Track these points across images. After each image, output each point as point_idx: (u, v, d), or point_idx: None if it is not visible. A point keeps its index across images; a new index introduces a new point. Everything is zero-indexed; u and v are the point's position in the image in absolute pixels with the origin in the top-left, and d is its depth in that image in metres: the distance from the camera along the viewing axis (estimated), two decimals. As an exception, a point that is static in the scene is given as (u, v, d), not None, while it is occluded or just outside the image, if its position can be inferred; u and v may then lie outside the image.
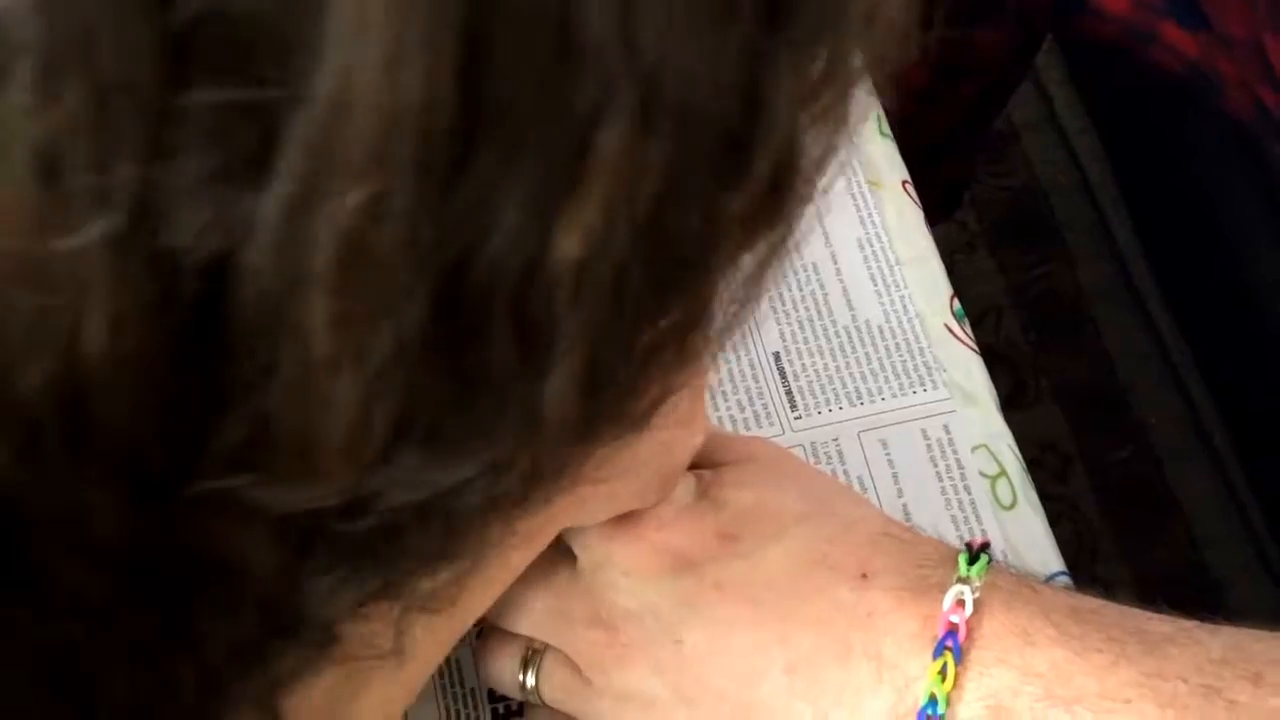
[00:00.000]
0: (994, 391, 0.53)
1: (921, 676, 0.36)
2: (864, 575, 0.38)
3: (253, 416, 0.18)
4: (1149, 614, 0.37)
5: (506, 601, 0.40)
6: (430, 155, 0.17)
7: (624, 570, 0.38)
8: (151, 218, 0.16)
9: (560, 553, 0.40)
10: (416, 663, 0.34)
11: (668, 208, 0.19)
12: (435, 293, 0.18)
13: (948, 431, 0.51)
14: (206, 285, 0.17)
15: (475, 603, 0.35)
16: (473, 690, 0.46)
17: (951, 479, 0.50)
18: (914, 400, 0.52)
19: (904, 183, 0.58)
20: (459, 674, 0.46)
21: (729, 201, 0.20)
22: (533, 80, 0.17)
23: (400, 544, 0.22)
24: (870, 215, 0.56)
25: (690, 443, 0.37)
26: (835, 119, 0.22)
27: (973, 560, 0.37)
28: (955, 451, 0.50)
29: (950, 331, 0.54)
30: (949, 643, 0.36)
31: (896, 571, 0.38)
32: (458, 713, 0.45)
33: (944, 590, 0.37)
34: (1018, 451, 0.52)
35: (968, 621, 0.36)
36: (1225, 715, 0.33)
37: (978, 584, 0.37)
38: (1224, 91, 0.71)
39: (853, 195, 0.57)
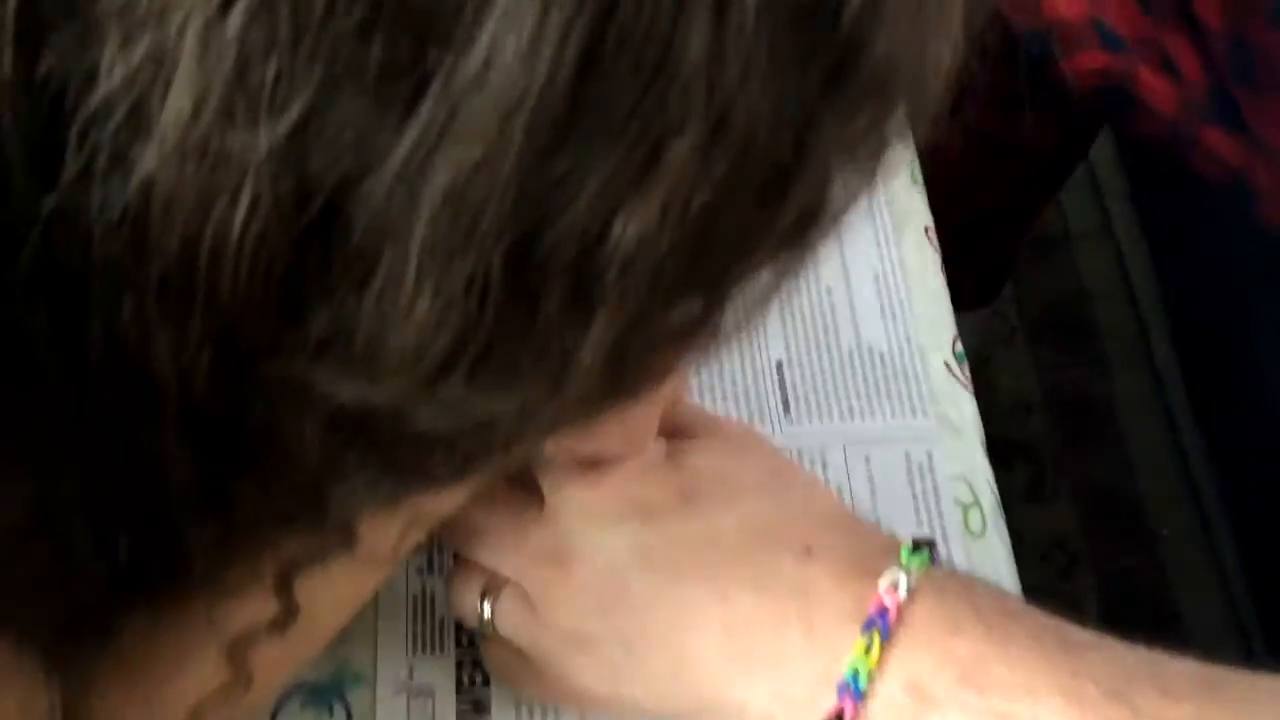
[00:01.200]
0: (981, 432, 0.55)
1: (847, 650, 0.38)
2: (808, 550, 0.39)
3: (340, 316, 0.22)
4: (1076, 626, 0.38)
5: (476, 533, 0.42)
6: (537, 131, 0.20)
7: (586, 513, 0.40)
8: (310, 133, 0.20)
9: (531, 491, 0.42)
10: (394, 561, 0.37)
11: (712, 218, 0.22)
12: (510, 246, 0.21)
13: (930, 458, 0.53)
14: (331, 199, 0.21)
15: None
16: (442, 620, 0.48)
17: (927, 500, 0.52)
18: (903, 424, 0.53)
19: (926, 228, 0.60)
20: (430, 605, 0.48)
21: (763, 223, 0.24)
22: (631, 89, 0.21)
23: (428, 462, 0.26)
24: (890, 252, 0.59)
25: (657, 395, 0.39)
26: (866, 171, 0.25)
27: (914, 552, 0.39)
28: (934, 476, 0.52)
29: (949, 369, 0.56)
30: (878, 622, 0.38)
31: (840, 551, 0.39)
32: (425, 641, 0.47)
33: (881, 575, 0.38)
34: (996, 490, 0.53)
35: (899, 606, 0.38)
36: (1128, 718, 0.35)
37: (916, 574, 0.38)
38: (1259, 200, 0.73)
39: (876, 231, 0.59)
